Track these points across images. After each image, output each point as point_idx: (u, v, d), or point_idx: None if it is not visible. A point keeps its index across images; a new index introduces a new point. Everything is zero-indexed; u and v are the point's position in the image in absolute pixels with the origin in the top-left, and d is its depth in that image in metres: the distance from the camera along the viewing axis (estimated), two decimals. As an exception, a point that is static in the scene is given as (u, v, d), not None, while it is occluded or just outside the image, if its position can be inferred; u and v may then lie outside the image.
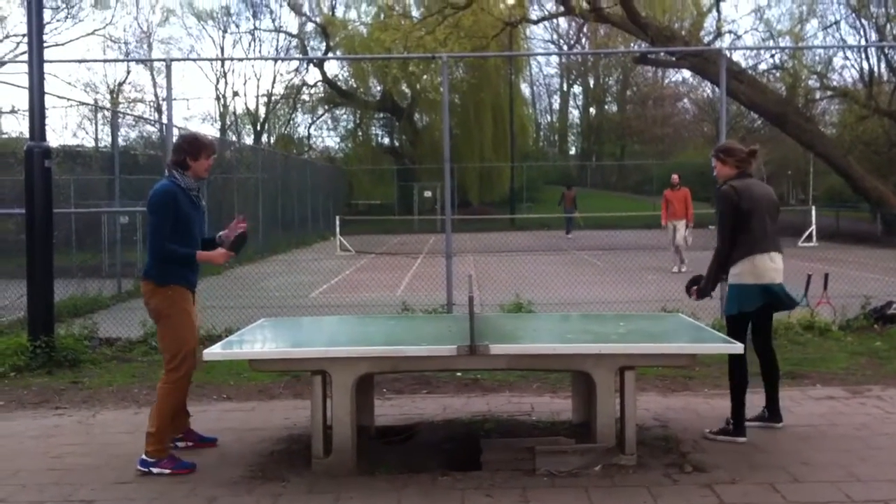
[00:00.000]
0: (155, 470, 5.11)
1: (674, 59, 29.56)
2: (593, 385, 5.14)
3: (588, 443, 5.23)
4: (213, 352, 5.18)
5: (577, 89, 64.08)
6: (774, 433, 5.77)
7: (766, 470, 5.00)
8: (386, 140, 51.02)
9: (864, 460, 5.13)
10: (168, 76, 10.46)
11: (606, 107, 62.67)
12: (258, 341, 5.77)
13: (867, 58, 31.62)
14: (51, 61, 11.94)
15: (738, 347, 5.21)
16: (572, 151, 65.61)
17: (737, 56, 28.04)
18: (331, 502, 4.64)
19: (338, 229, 25.30)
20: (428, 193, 39.48)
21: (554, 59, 59.66)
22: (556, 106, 66.15)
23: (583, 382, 5.64)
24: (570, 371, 5.80)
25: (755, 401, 5.94)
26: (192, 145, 5.37)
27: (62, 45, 41.15)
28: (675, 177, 17.30)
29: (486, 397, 6.96)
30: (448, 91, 10.85)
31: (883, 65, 33.23)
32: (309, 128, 51.08)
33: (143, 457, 5.15)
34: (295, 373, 7.18)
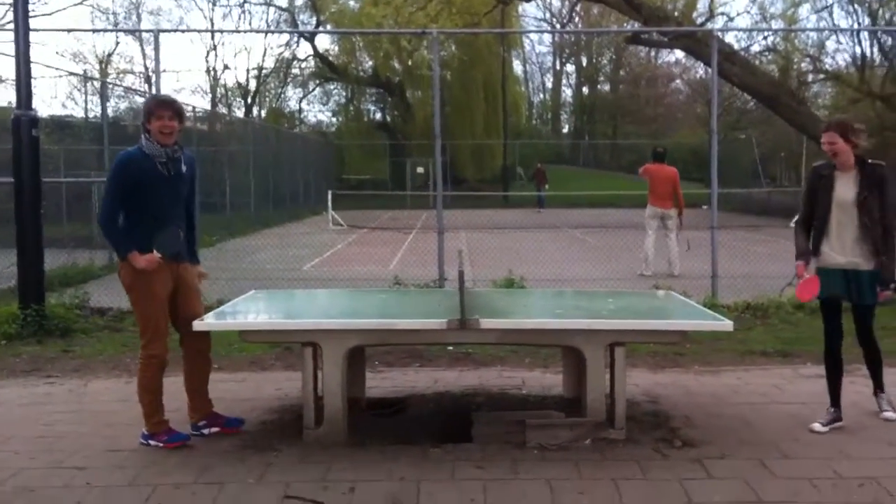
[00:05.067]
0: (151, 442, 5.09)
1: (666, 39, 29.46)
2: (583, 360, 5.16)
3: (578, 417, 5.25)
4: (204, 322, 5.17)
5: (570, 68, 63.97)
6: (764, 410, 5.80)
7: (756, 446, 5.03)
8: (378, 115, 50.83)
9: (853, 437, 5.17)
10: (156, 47, 10.41)
11: (599, 86, 62.53)
12: (249, 313, 5.77)
13: (859, 42, 31.61)
14: (37, 30, 11.82)
15: (726, 324, 5.21)
16: (565, 130, 65.55)
17: (729, 38, 28.07)
18: (322, 472, 4.65)
19: (330, 203, 25.23)
20: (420, 169, 39.35)
21: (547, 38, 59.47)
22: (549, 84, 66.06)
23: (573, 358, 5.66)
24: (560, 346, 5.81)
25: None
26: (145, 107, 5.20)
27: (49, 14, 40.89)
28: (659, 149, 14.35)
29: (478, 371, 6.98)
30: (439, 68, 10.80)
31: (875, 49, 33.21)
32: (300, 102, 50.88)
33: (143, 430, 5.13)
34: (286, 345, 7.18)
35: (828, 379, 5.55)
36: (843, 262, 5.36)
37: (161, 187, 5.07)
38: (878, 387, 5.59)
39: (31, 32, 8.82)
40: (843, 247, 5.37)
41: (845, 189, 5.34)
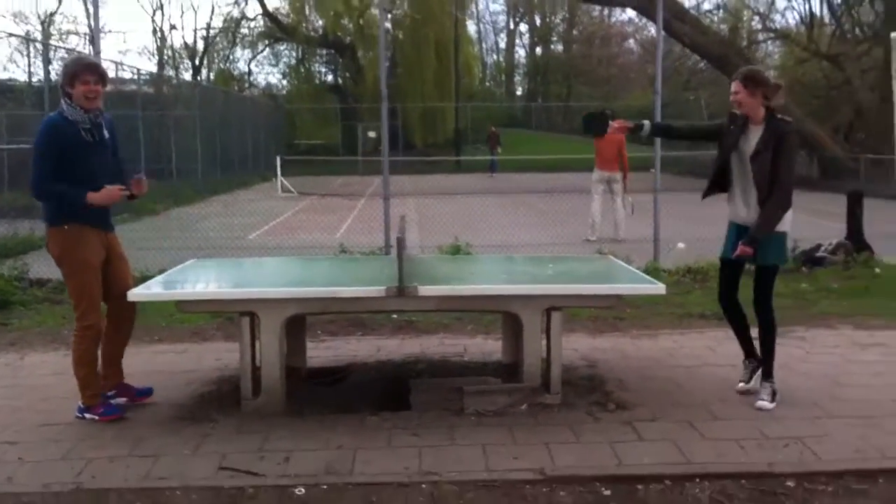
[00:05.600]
0: (87, 416, 5.05)
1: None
2: (520, 326, 5.22)
3: (515, 383, 5.32)
4: (138, 293, 5.13)
5: (523, 28, 63.75)
6: (697, 372, 5.92)
7: (687, 408, 5.14)
8: (329, 77, 50.31)
9: (781, 399, 5.29)
10: (95, 5, 10.19)
11: (552, 46, 62.43)
12: (187, 282, 5.71)
13: (808, 1, 31.88)
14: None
15: (660, 288, 5.25)
16: (519, 92, 65.42)
17: (680, -3, 28.11)
18: (259, 441, 4.67)
19: (279, 170, 25.02)
20: (372, 134, 39.03)
21: (501, -3, 59.08)
22: (502, 45, 65.80)
23: (512, 324, 5.71)
24: (499, 312, 5.86)
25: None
26: (67, 70, 4.93)
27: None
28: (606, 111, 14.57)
29: (420, 339, 7.02)
30: (387, 27, 10.71)
31: (825, 8, 33.57)
32: (249, 63, 50.16)
33: (79, 403, 5.09)
34: (227, 315, 7.15)
35: (734, 332, 5.53)
36: (742, 218, 5.25)
37: (88, 154, 4.90)
38: (767, 374, 5.30)
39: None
40: (744, 202, 5.24)
41: (749, 143, 5.18)
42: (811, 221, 12.09)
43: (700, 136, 6.07)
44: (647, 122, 5.65)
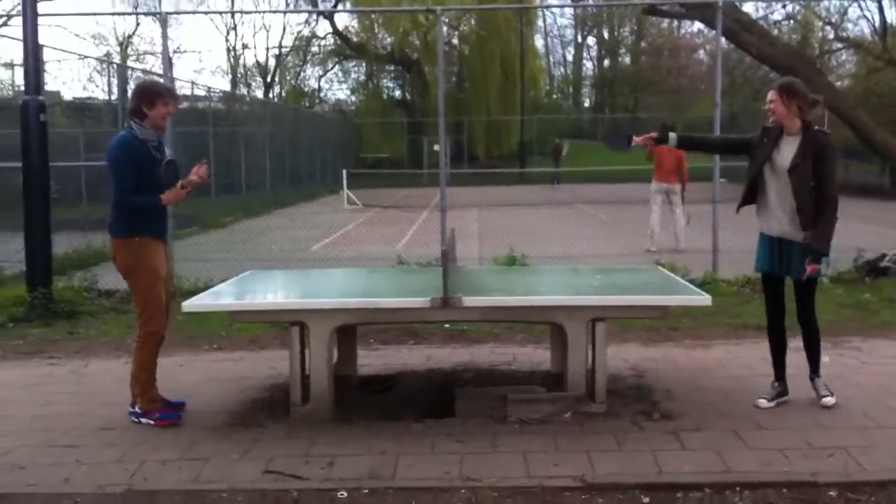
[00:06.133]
0: (144, 420, 5.24)
1: (684, 10, 29.21)
2: (565, 336, 5.25)
3: (560, 391, 5.35)
4: (192, 303, 5.30)
5: (591, 41, 63.45)
6: (747, 382, 5.86)
7: (733, 418, 5.11)
8: (397, 93, 50.80)
9: (830, 408, 5.22)
10: (164, 29, 10.57)
11: (620, 58, 62.01)
12: (240, 293, 5.87)
13: (881, 9, 31.10)
14: (44, 14, 12.01)
15: (705, 299, 5.24)
16: (586, 104, 65.08)
17: (748, 7, 27.74)
18: (306, 447, 4.79)
19: (345, 182, 25.37)
20: (437, 147, 39.25)
21: (568, 11, 58.93)
22: (570, 58, 65.57)
23: (559, 333, 5.74)
24: (546, 323, 5.89)
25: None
26: (147, 92, 5.23)
27: (70, -4, 41.01)
28: (667, 122, 13.17)
29: (471, 348, 7.08)
30: (444, 44, 10.92)
31: (901, 15, 32.76)
32: (319, 80, 50.94)
33: (136, 409, 5.28)
34: (283, 324, 7.31)
35: (771, 353, 5.52)
36: (778, 230, 5.25)
37: (156, 170, 5.17)
38: (814, 371, 5.41)
39: (39, 18, 8.96)
40: (778, 214, 5.22)
41: (785, 154, 5.18)
42: (878, 231, 11.85)
43: (731, 149, 6.03)
44: (673, 135, 5.64)
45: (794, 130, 5.19)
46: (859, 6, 33.37)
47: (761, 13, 29.88)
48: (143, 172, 5.10)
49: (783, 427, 4.94)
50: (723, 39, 22.67)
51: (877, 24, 31.50)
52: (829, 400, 5.28)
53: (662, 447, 4.66)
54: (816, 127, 5.23)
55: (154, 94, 5.21)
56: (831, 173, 5.15)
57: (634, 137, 5.73)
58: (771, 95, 5.21)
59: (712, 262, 10.04)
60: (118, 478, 4.41)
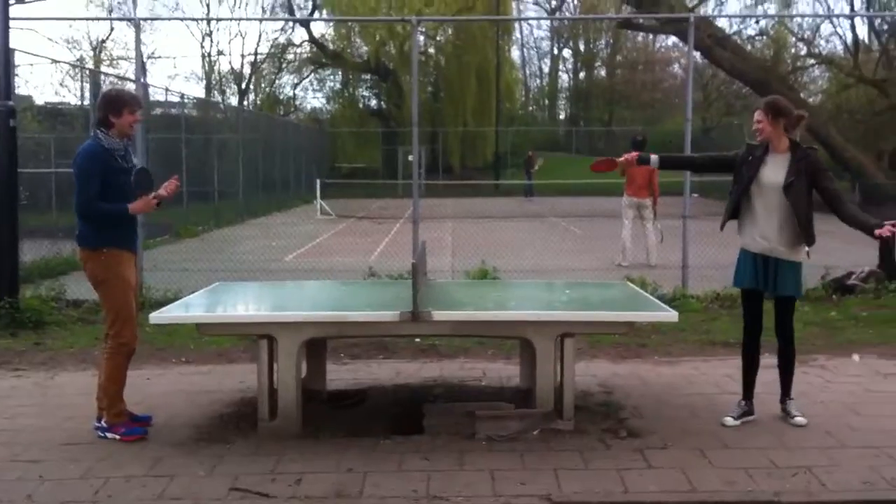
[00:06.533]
0: (109, 435, 5.19)
1: (659, 24, 29.50)
2: (534, 351, 5.26)
3: (529, 408, 5.36)
4: (160, 315, 5.27)
5: (567, 53, 63.77)
6: (714, 399, 5.90)
7: (699, 436, 5.14)
8: (373, 102, 50.74)
9: (794, 427, 5.27)
10: (138, 34, 10.52)
11: (596, 71, 62.34)
12: (208, 305, 5.84)
13: (853, 27, 31.56)
14: (16, 18, 11.93)
15: (671, 315, 5.28)
16: (562, 116, 65.35)
17: (722, 22, 28.03)
18: (272, 464, 4.76)
19: (318, 192, 25.30)
20: (412, 157, 39.27)
21: (545, 23, 59.26)
22: (546, 70, 65.85)
23: (528, 349, 5.75)
24: (515, 338, 5.90)
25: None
26: (113, 101, 5.19)
27: (43, -1, 40.70)
28: (638, 137, 13.96)
29: (441, 363, 7.08)
30: (420, 54, 10.95)
31: (873, 34, 33.20)
32: (294, 88, 50.80)
33: (102, 423, 5.24)
34: (252, 337, 7.28)
35: (743, 371, 5.56)
36: (763, 247, 5.29)
37: (123, 179, 5.13)
38: (786, 392, 5.49)
39: (10, 21, 8.88)
40: (765, 231, 5.27)
41: (774, 172, 5.23)
42: (846, 248, 11.92)
43: (715, 167, 6.07)
44: (654, 157, 5.70)
45: (781, 148, 5.27)
46: (832, 23, 33.83)
47: (735, 28, 30.23)
48: (109, 181, 5.08)
49: (748, 446, 4.98)
50: (696, 54, 22.86)
51: (849, 41, 32.01)
52: (800, 419, 5.35)
53: (629, 465, 4.69)
54: (804, 146, 5.32)
55: (120, 103, 5.19)
56: (832, 181, 5.29)
57: (617, 160, 5.81)
58: (757, 115, 5.30)
59: (682, 277, 10.11)
60: (82, 494, 4.37)
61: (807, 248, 5.33)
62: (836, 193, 5.23)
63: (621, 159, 5.78)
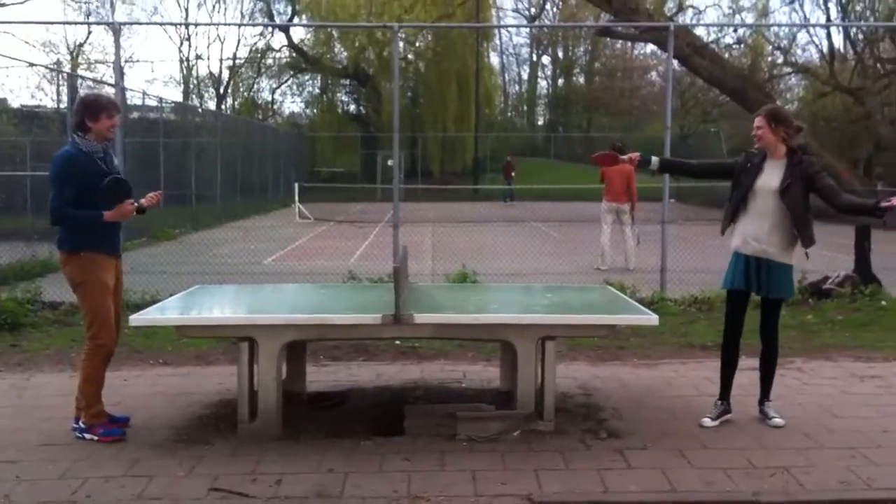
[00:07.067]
0: (87, 436, 5.16)
1: (638, 32, 29.64)
2: (515, 354, 5.28)
3: (509, 409, 5.37)
4: (139, 317, 5.24)
5: (546, 60, 64.00)
6: (693, 401, 5.94)
7: (678, 437, 5.18)
8: (352, 107, 50.73)
9: (772, 428, 5.32)
10: (116, 39, 10.48)
11: (575, 78, 62.60)
12: (188, 307, 5.81)
13: (829, 35, 31.87)
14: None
15: (652, 318, 5.32)
16: (541, 122, 65.57)
17: (700, 30, 28.22)
18: (252, 465, 4.74)
19: (296, 196, 25.24)
20: (391, 162, 39.25)
21: (524, 30, 59.50)
22: (525, 76, 66.05)
23: (509, 351, 5.77)
24: (496, 340, 5.92)
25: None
26: (90, 106, 5.18)
27: (21, 2, 40.40)
28: (617, 143, 12.96)
29: (421, 365, 7.08)
30: (400, 60, 10.94)
31: (848, 43, 33.53)
32: (273, 93, 50.68)
33: (80, 424, 5.20)
34: (232, 339, 7.25)
35: (721, 371, 5.61)
36: (757, 249, 5.36)
37: (101, 182, 5.09)
38: (766, 395, 5.59)
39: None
40: (759, 235, 5.34)
41: (771, 177, 5.34)
42: (823, 254, 12.00)
43: (714, 174, 6.12)
44: (655, 159, 5.75)
45: (778, 155, 5.38)
46: (808, 32, 34.17)
47: (713, 37, 30.41)
48: (88, 185, 5.04)
49: (727, 447, 5.01)
50: (675, 62, 22.97)
51: (825, 49, 32.31)
52: (778, 421, 5.41)
53: (609, 466, 4.71)
54: (801, 153, 5.42)
55: (98, 107, 5.17)
56: (830, 183, 5.38)
57: (621, 157, 5.90)
58: (758, 122, 5.40)
59: (660, 281, 10.16)
60: (60, 495, 4.33)
61: (806, 250, 5.44)
62: (831, 189, 5.35)
63: (625, 157, 5.84)
